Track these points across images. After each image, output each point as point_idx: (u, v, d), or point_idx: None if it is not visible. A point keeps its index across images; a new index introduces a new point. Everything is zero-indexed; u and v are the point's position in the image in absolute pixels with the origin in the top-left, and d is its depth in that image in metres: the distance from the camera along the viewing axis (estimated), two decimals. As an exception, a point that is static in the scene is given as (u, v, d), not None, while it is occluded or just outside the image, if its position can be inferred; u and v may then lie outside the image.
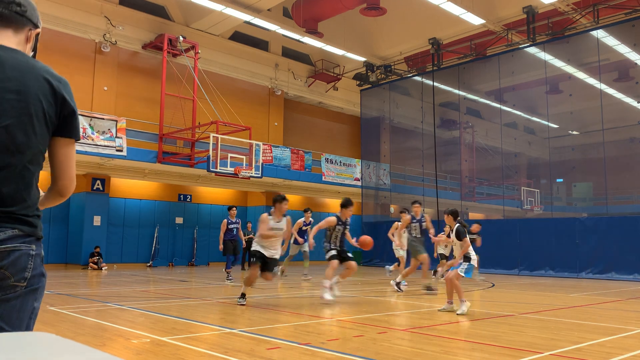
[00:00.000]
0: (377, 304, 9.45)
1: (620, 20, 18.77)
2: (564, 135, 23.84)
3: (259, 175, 19.26)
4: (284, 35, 23.74)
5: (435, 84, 24.02)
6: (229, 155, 18.15)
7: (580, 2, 19.46)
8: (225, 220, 13.74)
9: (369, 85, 26.58)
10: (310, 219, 14.91)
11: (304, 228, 14.89)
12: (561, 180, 27.12)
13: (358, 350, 5.13)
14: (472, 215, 30.10)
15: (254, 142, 18.82)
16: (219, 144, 17.73)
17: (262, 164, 19.47)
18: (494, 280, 15.90)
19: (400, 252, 12.92)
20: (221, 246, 13.54)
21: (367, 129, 27.16)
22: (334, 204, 28.12)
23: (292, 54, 26.08)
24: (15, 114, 1.82)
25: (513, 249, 19.36)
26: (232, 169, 18.23)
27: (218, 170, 17.86)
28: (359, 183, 25.96)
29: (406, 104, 26.91)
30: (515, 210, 26.26)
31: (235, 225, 13.76)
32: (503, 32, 21.69)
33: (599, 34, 19.19)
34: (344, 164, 25.41)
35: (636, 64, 20.33)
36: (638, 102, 20.65)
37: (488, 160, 27.17)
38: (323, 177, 24.22)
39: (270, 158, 21.90)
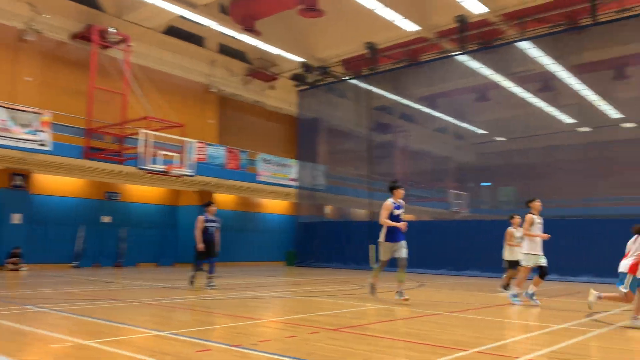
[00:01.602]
0: (310, 305, 9.47)
1: (544, 33, 19.83)
2: (490, 141, 24.91)
3: (192, 174, 18.84)
4: (220, 32, 23.36)
5: (371, 87, 24.43)
6: (161, 152, 17.64)
7: (509, 14, 20.39)
8: (202, 217, 11.67)
9: (307, 86, 26.65)
10: (400, 200, 9.62)
11: (396, 213, 9.44)
12: (487, 184, 28.32)
13: (290, 351, 5.11)
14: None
15: (187, 139, 18.39)
16: (151, 140, 17.20)
17: (195, 162, 19.07)
18: (423, 280, 16.36)
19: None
20: (200, 245, 11.40)
21: (303, 129, 27.21)
22: (268, 204, 27.98)
23: (229, 51, 25.70)
24: None
25: (442, 249, 20.00)
26: (164, 167, 17.73)
27: (148, 167, 17.32)
28: (295, 183, 25.97)
29: (343, 106, 27.20)
30: (444, 213, 27.15)
31: (213, 225, 11.69)
32: (436, 39, 22.35)
33: (525, 45, 20.19)
34: (279, 164, 25.33)
35: (557, 75, 21.54)
36: (559, 112, 21.90)
37: (419, 164, 27.94)
38: (258, 176, 24.04)
39: (204, 156, 21.49)
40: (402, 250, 9.36)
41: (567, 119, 21.92)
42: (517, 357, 4.92)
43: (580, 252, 17.10)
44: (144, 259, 22.69)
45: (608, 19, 18.12)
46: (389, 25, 21.26)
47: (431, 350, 5.24)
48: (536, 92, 22.33)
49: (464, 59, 21.83)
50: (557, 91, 21.86)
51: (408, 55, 23.61)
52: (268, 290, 12.13)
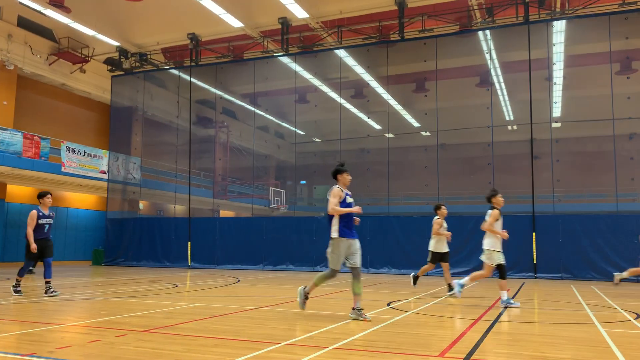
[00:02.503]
0: (118, 306, 8.87)
1: (358, 44, 21.36)
2: (308, 142, 26.05)
3: (-21, 162, 16.43)
4: (20, 3, 20.70)
5: (193, 80, 23.83)
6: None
7: (328, 22, 21.52)
8: (35, 211, 9.79)
9: (122, 72, 24.98)
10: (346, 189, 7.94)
11: (349, 201, 7.68)
12: (304, 182, 29.57)
13: (93, 357, 4.71)
14: (223, 213, 30.75)
15: (-26, 121, 15.96)
16: None
17: (-16, 148, 16.66)
18: (240, 275, 16.46)
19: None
20: (33, 245, 9.57)
21: (117, 118, 25.45)
22: (74, 198, 25.63)
23: (31, 25, 22.90)
24: None
25: (259, 245, 20.38)
26: (-58, 152, 15.16)
27: None
28: (106, 176, 24.17)
29: (162, 96, 26.08)
30: (263, 209, 27.70)
31: (48, 221, 9.88)
32: (260, 38, 22.65)
33: (341, 53, 21.53)
34: (88, 154, 23.36)
35: (368, 84, 23.36)
36: (368, 117, 23.76)
37: (240, 160, 28.08)
38: (63, 167, 21.87)
39: (-4, 142, 18.86)
40: (356, 256, 7.43)
41: (375, 125, 23.87)
42: (326, 347, 5.18)
43: (382, 246, 18.80)
44: None
45: (412, 37, 20.17)
46: (213, 18, 20.95)
47: (244, 346, 5.26)
48: (350, 98, 23.93)
49: (286, 60, 22.47)
50: (367, 99, 23.69)
51: (232, 51, 23.54)
52: (70, 292, 11.08)
